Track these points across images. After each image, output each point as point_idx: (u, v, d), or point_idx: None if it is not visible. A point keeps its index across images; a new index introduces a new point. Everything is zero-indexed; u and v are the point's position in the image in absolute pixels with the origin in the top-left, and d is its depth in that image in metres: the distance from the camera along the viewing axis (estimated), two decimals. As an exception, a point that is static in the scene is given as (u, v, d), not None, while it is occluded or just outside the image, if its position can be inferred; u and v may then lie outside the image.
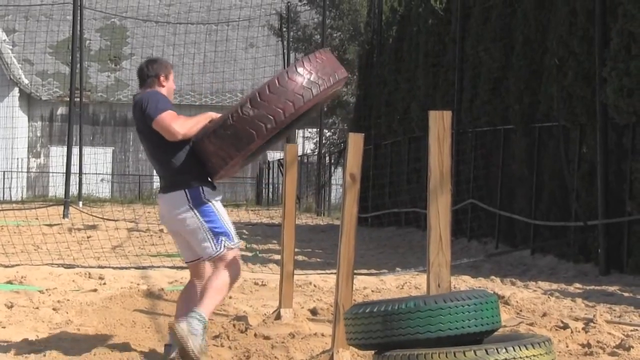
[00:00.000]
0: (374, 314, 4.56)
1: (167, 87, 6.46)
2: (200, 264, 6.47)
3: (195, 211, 6.19)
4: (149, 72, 6.45)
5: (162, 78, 6.45)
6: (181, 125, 6.15)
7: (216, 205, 6.27)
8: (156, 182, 46.69)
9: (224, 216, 6.30)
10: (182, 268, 12.36)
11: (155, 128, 6.18)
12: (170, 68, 6.55)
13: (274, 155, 46.77)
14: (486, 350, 4.33)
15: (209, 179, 6.29)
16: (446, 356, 4.34)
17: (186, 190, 6.19)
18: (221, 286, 6.21)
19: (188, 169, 6.21)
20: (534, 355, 4.38)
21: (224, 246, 6.23)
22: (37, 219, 21.44)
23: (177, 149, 6.20)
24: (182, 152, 6.21)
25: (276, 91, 6.10)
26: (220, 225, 6.24)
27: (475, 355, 4.33)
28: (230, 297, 8.99)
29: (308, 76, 6.22)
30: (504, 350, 4.34)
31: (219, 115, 6.24)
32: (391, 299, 4.68)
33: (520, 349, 4.37)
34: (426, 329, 4.45)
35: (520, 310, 8.82)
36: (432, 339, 4.45)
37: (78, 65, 32.00)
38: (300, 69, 6.20)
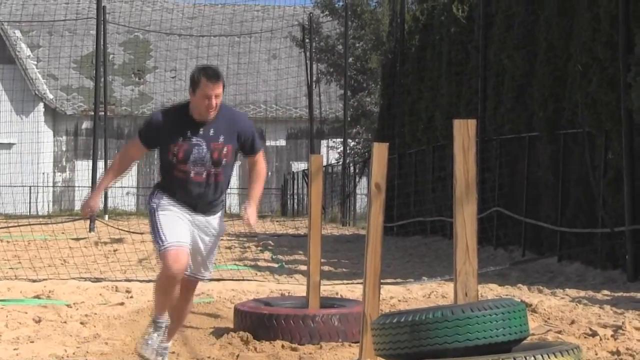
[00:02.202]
0: (402, 324, 4.54)
1: (193, 101, 6.16)
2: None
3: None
4: None
5: (190, 91, 6.18)
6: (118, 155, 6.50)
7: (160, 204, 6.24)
8: (181, 195, 46.84)
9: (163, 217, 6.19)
10: (208, 280, 12.36)
11: None
12: (198, 81, 6.09)
13: (298, 166, 46.86)
14: (514, 359, 4.31)
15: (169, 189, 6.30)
16: None
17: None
18: (156, 286, 6.31)
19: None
20: None
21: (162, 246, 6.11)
22: (63, 233, 21.54)
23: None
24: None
25: (356, 322, 7.04)
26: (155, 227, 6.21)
27: None
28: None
29: None
30: (532, 358, 4.32)
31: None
32: (418, 308, 4.66)
33: (549, 357, 4.34)
34: (454, 339, 4.43)
35: (548, 318, 8.79)
36: (460, 349, 4.43)
37: (102, 80, 32.15)
38: None
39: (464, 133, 4.72)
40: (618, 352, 6.98)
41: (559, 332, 7.76)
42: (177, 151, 6.11)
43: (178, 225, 6.12)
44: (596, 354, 6.98)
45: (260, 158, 6.40)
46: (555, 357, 4.34)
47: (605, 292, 11.35)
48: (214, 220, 6.28)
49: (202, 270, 6.42)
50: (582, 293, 11.30)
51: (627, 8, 12.71)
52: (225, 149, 6.15)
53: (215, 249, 6.44)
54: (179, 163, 6.13)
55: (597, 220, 13.82)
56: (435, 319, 4.43)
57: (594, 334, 7.55)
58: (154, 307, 6.33)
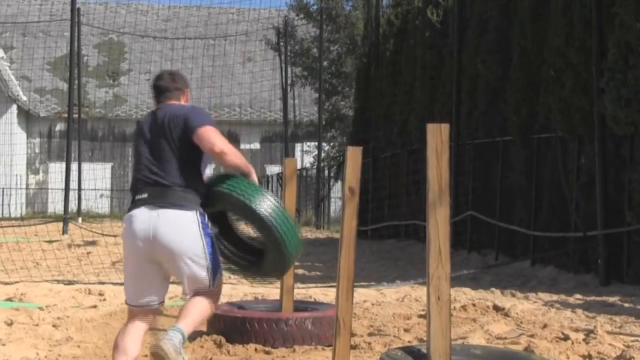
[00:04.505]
0: None
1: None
2: (154, 310, 5.80)
3: (204, 237, 5.58)
4: (176, 84, 5.86)
5: (187, 94, 5.92)
6: (223, 143, 5.59)
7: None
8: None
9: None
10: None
11: (196, 139, 5.56)
12: (188, 86, 6.02)
13: (273, 169, 46.81)
14: None
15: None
16: None
17: (197, 213, 5.57)
18: (206, 310, 5.75)
19: (202, 190, 5.66)
20: None
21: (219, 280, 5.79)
22: (36, 235, 21.42)
23: (198, 169, 5.69)
24: (198, 175, 5.70)
25: (329, 325, 7.07)
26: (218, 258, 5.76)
27: None
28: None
29: None
30: None
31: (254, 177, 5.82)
32: None
33: None
34: None
35: (521, 322, 8.82)
36: None
37: (76, 82, 32.02)
38: None
39: (438, 137, 4.73)
40: (590, 356, 7.01)
41: (532, 336, 7.79)
42: None
43: None
44: (568, 358, 7.01)
45: None
46: None
47: (578, 296, 11.41)
48: None
49: None
50: (555, 297, 11.35)
51: (600, 13, 12.79)
52: None
53: None
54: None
55: (570, 225, 13.89)
56: None
57: (566, 338, 7.58)
58: (189, 325, 5.60)
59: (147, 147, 5.66)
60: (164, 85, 5.85)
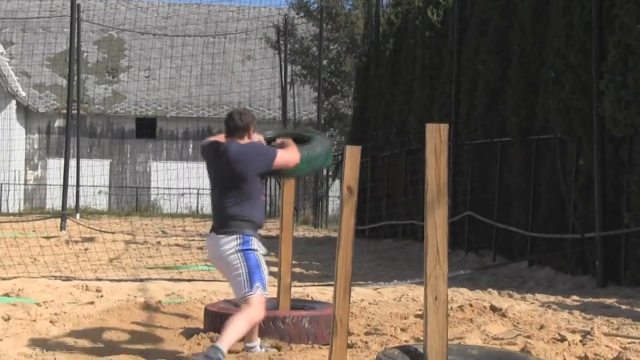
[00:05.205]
0: None
1: (252, 138, 6.97)
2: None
3: (240, 253, 6.82)
4: (243, 124, 6.90)
5: (252, 129, 6.94)
6: (292, 157, 6.98)
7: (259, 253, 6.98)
8: (153, 195, 46.74)
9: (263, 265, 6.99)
10: (179, 280, 12.35)
11: (277, 165, 6.86)
12: (254, 119, 7.07)
13: (271, 167, 46.75)
14: None
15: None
16: None
17: (239, 236, 6.82)
18: (243, 325, 6.71)
19: (255, 216, 6.92)
20: None
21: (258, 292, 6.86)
22: (34, 231, 21.42)
23: (256, 200, 6.90)
24: (254, 204, 6.89)
25: (326, 324, 7.54)
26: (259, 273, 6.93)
27: None
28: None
29: None
30: None
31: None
32: None
33: None
34: None
35: (518, 323, 8.82)
36: None
37: (75, 78, 32.01)
38: None
39: (437, 137, 4.73)
40: (586, 357, 7.01)
41: (528, 337, 7.79)
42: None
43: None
44: (564, 359, 7.01)
45: None
46: None
47: (575, 297, 11.41)
48: None
49: None
50: (552, 298, 11.35)
51: (600, 15, 12.79)
52: None
53: None
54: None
55: (567, 226, 13.89)
56: None
57: (563, 339, 7.59)
58: (226, 341, 6.57)
59: (218, 184, 6.90)
60: (233, 125, 6.91)
